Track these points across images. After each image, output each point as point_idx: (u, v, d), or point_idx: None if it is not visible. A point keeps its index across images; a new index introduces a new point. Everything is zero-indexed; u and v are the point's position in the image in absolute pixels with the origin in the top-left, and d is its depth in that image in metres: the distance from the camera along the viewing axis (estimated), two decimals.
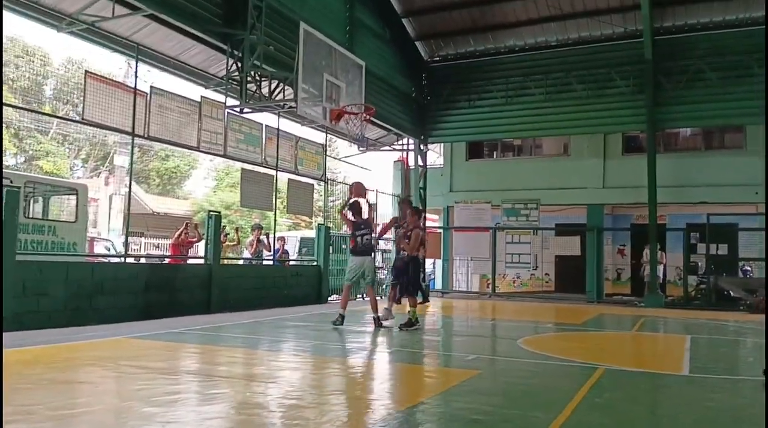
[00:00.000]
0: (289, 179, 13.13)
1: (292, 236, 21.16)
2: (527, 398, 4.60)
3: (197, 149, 11.00)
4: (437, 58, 17.94)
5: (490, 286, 17.93)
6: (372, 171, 31.13)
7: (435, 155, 20.80)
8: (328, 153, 14.79)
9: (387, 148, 18.32)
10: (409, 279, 8.71)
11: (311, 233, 16.81)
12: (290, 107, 11.10)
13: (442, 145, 19.73)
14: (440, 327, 10.19)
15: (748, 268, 15.71)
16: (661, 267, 16.55)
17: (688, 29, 15.22)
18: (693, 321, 11.56)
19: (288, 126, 13.24)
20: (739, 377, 5.99)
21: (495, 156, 20.02)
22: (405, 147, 18.21)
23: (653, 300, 14.72)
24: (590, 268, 16.78)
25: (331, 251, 13.97)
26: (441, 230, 19.36)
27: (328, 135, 14.90)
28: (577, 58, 16.28)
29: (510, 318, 11.73)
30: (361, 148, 16.53)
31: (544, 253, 18.40)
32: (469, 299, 17.02)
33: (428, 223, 19.00)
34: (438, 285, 19.35)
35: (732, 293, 14.36)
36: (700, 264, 15.57)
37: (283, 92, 11.28)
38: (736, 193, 15.24)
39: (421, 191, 17.88)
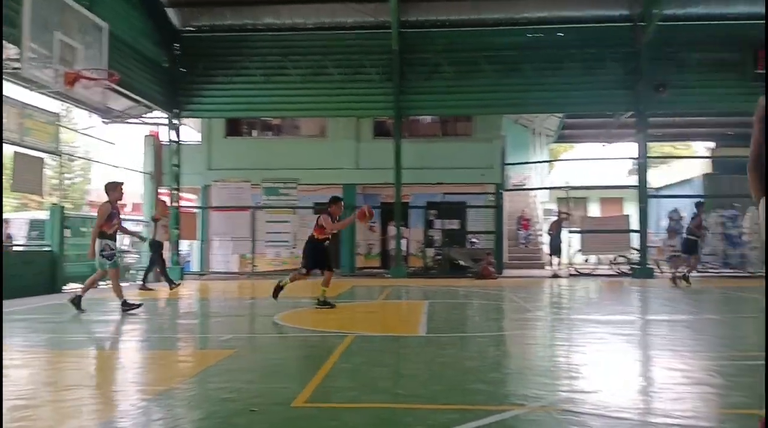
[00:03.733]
0: (15, 152, 11.36)
1: (20, 218, 18.45)
2: (280, 371, 4.71)
3: None
4: (191, 28, 17.03)
5: (250, 266, 17.86)
6: (117, 145, 28.51)
7: (192, 131, 19.85)
8: (63, 123, 13.11)
9: (136, 120, 16.93)
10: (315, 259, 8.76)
11: (44, 214, 14.84)
12: (14, 69, 9.58)
13: (200, 120, 18.90)
14: (196, 309, 9.85)
15: (475, 240, 18.09)
16: (405, 242, 18.17)
17: (430, 25, 16.74)
18: (430, 288, 12.96)
19: (13, 90, 11.41)
20: (466, 334, 6.91)
21: (254, 134, 19.83)
22: (157, 120, 17.03)
23: (398, 271, 16.14)
24: (344, 244, 17.72)
25: (69, 234, 12.50)
26: (198, 210, 18.63)
27: (64, 103, 13.21)
28: (333, 42, 16.86)
29: (268, 296, 11.82)
30: (105, 120, 15.01)
31: (303, 232, 18.85)
32: (228, 280, 16.73)
33: (183, 203, 18.13)
34: (195, 266, 18.64)
35: (462, 262, 16.44)
36: (437, 237, 17.47)
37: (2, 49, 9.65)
38: (467, 174, 17.37)
39: (175, 168, 16.95)
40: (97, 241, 8.04)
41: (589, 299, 11.42)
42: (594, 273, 16.99)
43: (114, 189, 8.29)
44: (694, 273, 16.52)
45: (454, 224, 17.29)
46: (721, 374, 4.58)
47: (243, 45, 17.04)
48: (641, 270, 15.87)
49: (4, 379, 4.39)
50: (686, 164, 24.01)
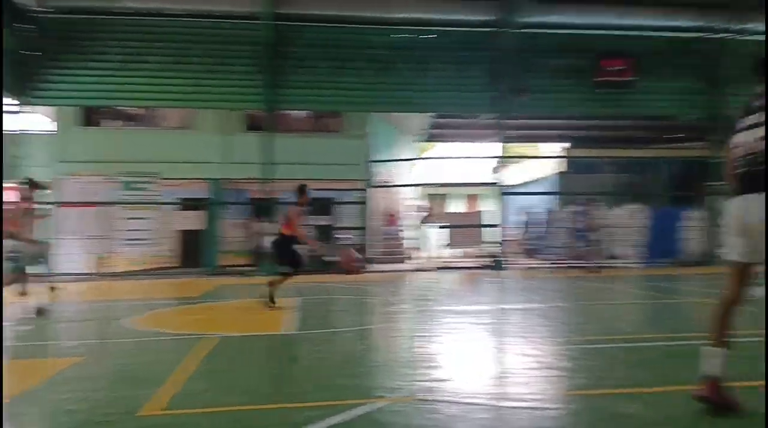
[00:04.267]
0: None
1: None
2: (131, 377, 4.41)
3: None
4: (48, 9, 15.45)
5: (108, 267, 16.61)
6: None
7: (43, 119, 18.05)
8: None
9: None
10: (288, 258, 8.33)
11: None
12: None
13: (55, 109, 17.23)
14: (39, 315, 8.99)
15: (344, 236, 18.18)
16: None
17: (305, 19, 16.48)
18: (299, 285, 12.83)
19: None
20: (332, 330, 6.90)
21: (113, 124, 18.43)
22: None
23: (267, 268, 15.80)
24: (211, 242, 17.05)
25: None
26: (47, 206, 17.00)
27: None
28: (201, 30, 16.10)
29: (124, 297, 11.10)
30: None
31: (167, 228, 17.89)
32: (79, 281, 15.45)
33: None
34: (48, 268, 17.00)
35: (329, 258, 16.49)
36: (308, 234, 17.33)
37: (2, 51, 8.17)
38: (337, 171, 17.38)
39: (18, 160, 15.32)
40: None
41: (450, 291, 11.92)
42: (456, 266, 17.77)
43: None
44: (546, 265, 17.85)
45: (323, 220, 17.28)
46: (567, 358, 4.96)
47: (102, 29, 15.78)
48: (499, 263, 16.87)
49: None
50: (542, 163, 25.87)
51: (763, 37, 17.45)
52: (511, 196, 23.25)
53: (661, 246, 17.53)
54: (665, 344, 5.42)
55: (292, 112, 18.45)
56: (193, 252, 18.04)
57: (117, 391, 3.98)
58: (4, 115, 15.35)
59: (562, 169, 23.93)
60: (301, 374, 4.48)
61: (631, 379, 4.12)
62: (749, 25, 16.64)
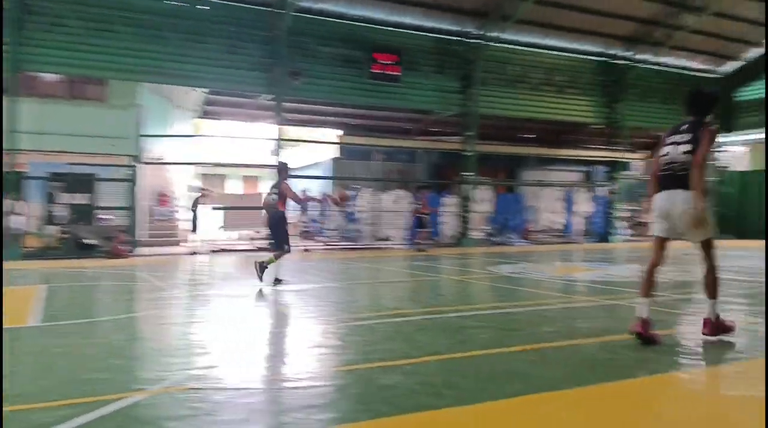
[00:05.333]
0: None
1: None
2: None
3: None
4: None
5: None
6: None
7: None
8: None
9: None
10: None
11: None
12: None
13: None
14: None
15: (109, 217, 16.59)
16: (21, 219, 15.58)
17: None
18: (52, 271, 11.41)
19: None
20: (89, 320, 6.23)
21: None
22: None
23: (10, 253, 13.76)
24: None
25: None
26: None
27: None
28: None
29: None
30: None
31: None
32: None
33: None
34: None
35: (90, 241, 14.92)
36: (61, 213, 15.45)
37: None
38: (98, 144, 15.72)
39: None
40: None
41: (225, 275, 11.63)
42: (233, 249, 17.39)
43: None
44: (318, 247, 18.37)
45: (82, 198, 15.50)
46: (336, 336, 5.15)
47: None
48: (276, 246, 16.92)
49: None
50: (318, 148, 26.46)
51: (511, 46, 20.00)
52: (289, 179, 23.27)
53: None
54: (423, 318, 5.94)
55: (42, 74, 16.17)
56: None
57: None
58: None
59: (337, 155, 24.80)
60: (48, 370, 3.97)
61: (393, 352, 4.42)
62: (501, 35, 18.89)
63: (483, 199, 20.30)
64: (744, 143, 25.72)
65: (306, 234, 18.02)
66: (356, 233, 19.18)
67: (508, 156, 25.11)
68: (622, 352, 4.40)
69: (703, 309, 4.77)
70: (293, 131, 28.57)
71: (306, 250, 17.46)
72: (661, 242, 4.70)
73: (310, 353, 4.51)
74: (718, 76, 24.57)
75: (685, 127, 4.63)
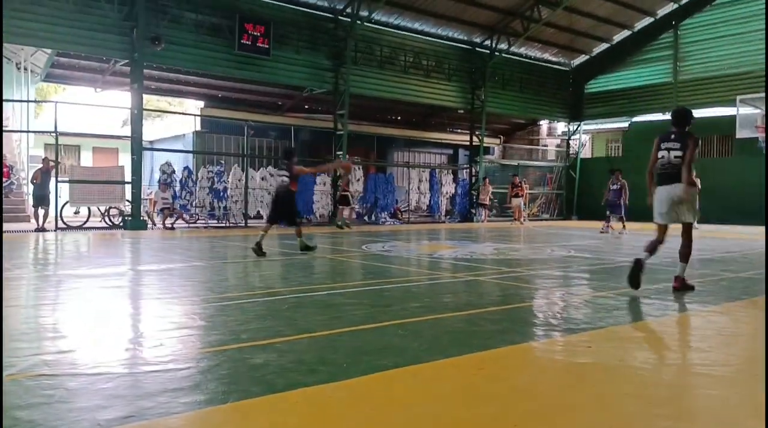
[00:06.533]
0: None
1: None
2: None
3: None
4: None
5: None
6: None
7: None
8: None
9: None
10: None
11: None
12: None
13: None
14: None
15: None
16: None
17: None
18: None
19: None
20: None
21: None
22: None
23: None
24: None
25: None
26: None
27: None
28: None
29: None
30: None
31: None
32: None
33: None
34: None
35: None
36: None
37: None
38: None
39: None
40: None
41: (78, 253, 10.74)
42: (84, 226, 16.07)
43: None
44: (182, 225, 17.55)
45: None
46: (201, 316, 4.94)
47: None
48: (134, 222, 15.89)
49: None
50: (180, 120, 25.09)
51: (381, 27, 20.19)
52: (149, 152, 22.12)
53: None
54: (295, 296, 5.88)
55: None
56: None
57: None
58: None
59: (198, 129, 23.69)
60: None
61: (265, 331, 4.34)
62: (372, 15, 19.01)
63: (353, 179, 20.48)
64: (586, 132, 28.22)
65: (166, 212, 17.09)
66: (223, 211, 18.52)
67: (379, 136, 25.51)
68: (483, 324, 4.66)
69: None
70: (153, 101, 26.90)
71: (169, 228, 16.59)
72: (663, 228, 6.14)
73: (175, 335, 4.29)
74: (569, 68, 26.66)
75: (673, 136, 6.07)
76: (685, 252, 6.12)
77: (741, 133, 19.78)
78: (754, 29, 21.34)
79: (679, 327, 4.86)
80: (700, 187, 7.53)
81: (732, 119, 20.23)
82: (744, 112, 19.95)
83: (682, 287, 6.12)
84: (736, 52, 22.09)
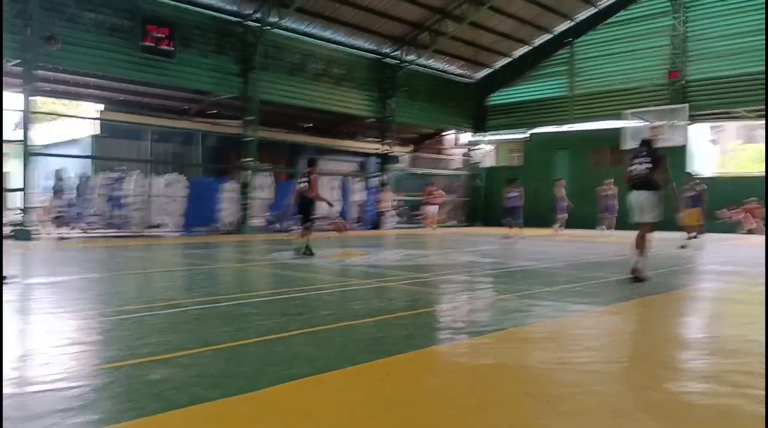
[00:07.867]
0: None
1: None
2: None
3: None
4: None
5: None
6: None
7: None
8: None
9: None
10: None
11: None
12: None
13: None
14: None
15: None
16: None
17: None
18: None
19: None
20: None
21: None
22: None
23: None
24: None
25: None
26: None
27: None
28: None
29: None
30: None
31: None
32: None
33: None
34: None
35: None
36: None
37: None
38: None
39: None
40: None
41: None
42: None
43: None
44: (76, 235, 16.55)
45: None
46: (98, 331, 4.67)
47: None
48: (22, 232, 14.80)
49: None
50: (75, 124, 23.64)
51: (291, 34, 20.05)
52: (40, 158, 20.67)
53: (199, 215, 18.38)
54: (199, 308, 5.68)
55: None
56: None
57: None
58: None
59: (97, 133, 22.44)
60: None
61: (165, 345, 4.15)
62: (281, 21, 18.82)
63: (263, 186, 20.13)
64: (490, 142, 29.32)
65: (59, 221, 16.03)
66: (122, 220, 17.62)
67: (288, 143, 25.26)
68: (391, 330, 4.71)
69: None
70: (46, 104, 25.25)
71: (61, 239, 15.57)
72: (642, 225, 7.52)
73: (67, 351, 4.02)
74: (473, 81, 27.63)
75: (643, 152, 7.58)
76: (642, 245, 7.48)
77: (628, 145, 21.28)
78: (643, 47, 23.11)
79: (574, 327, 5.14)
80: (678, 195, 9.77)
81: (622, 132, 21.73)
82: (631, 125, 21.49)
83: (638, 277, 7.37)
84: (625, 68, 23.78)
